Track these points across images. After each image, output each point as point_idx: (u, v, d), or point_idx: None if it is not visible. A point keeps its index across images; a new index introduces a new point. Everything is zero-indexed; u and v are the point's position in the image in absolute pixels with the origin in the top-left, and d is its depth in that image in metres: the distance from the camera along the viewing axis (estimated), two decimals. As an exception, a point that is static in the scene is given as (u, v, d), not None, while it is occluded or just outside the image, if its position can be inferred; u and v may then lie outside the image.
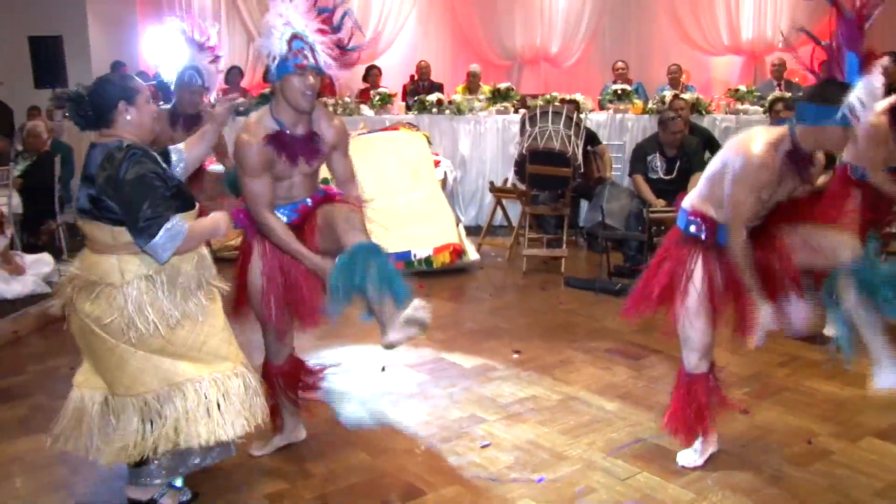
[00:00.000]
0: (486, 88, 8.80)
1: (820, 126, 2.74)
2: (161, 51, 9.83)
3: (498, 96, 8.45)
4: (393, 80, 9.64)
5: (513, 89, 8.60)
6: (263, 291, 2.98)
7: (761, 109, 8.04)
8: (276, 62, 2.79)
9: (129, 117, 2.57)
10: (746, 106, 8.23)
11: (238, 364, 2.70)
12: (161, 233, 2.46)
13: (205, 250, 2.73)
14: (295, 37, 2.76)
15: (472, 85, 9.24)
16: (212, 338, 2.66)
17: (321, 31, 2.78)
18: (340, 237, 2.75)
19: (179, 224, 2.50)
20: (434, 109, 8.33)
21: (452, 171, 7.91)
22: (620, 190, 6.62)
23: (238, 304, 3.07)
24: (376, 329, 2.81)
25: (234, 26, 10.73)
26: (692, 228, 2.97)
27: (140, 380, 2.58)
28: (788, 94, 7.93)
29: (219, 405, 2.59)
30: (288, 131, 2.88)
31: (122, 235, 2.53)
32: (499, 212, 7.33)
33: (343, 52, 2.86)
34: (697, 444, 3.13)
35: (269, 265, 2.97)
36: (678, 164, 6.31)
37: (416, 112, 8.36)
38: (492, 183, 7.41)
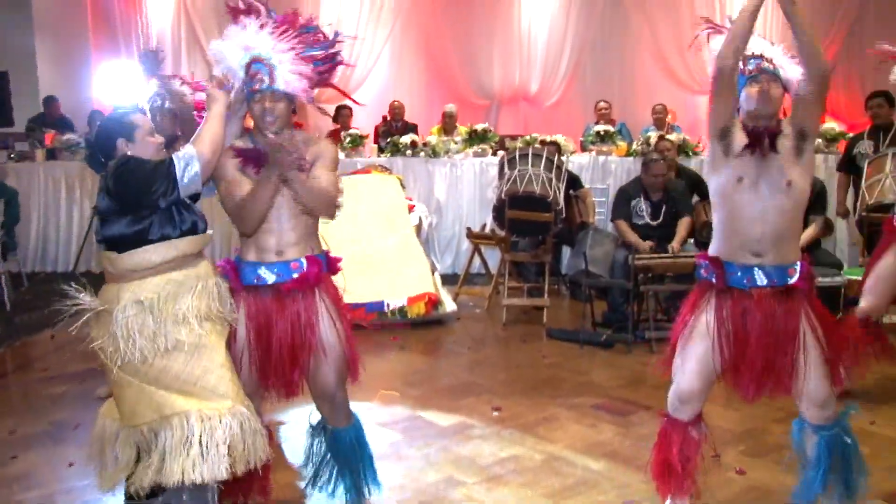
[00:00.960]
0: (462, 129, 8.90)
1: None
2: (117, 86, 9.93)
3: (475, 138, 8.56)
4: (364, 121, 9.74)
5: (491, 130, 8.71)
6: (241, 348, 2.93)
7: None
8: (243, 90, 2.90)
9: (129, 153, 2.74)
10: (735, 147, 8.39)
11: (238, 404, 2.66)
12: (178, 170, 2.65)
13: (214, 280, 2.77)
14: (254, 60, 2.85)
15: (447, 126, 9.34)
16: (209, 373, 2.66)
17: (293, 50, 2.86)
18: (320, 406, 3.04)
19: (183, 154, 2.67)
20: (408, 152, 8.41)
21: (427, 216, 7.96)
22: (604, 235, 6.69)
23: None
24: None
25: (195, 59, 10.83)
26: (702, 272, 3.01)
27: (137, 410, 2.65)
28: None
29: (201, 443, 2.55)
30: (258, 143, 2.93)
31: (119, 262, 2.66)
32: (477, 259, 7.36)
33: (324, 67, 2.95)
34: (668, 501, 3.09)
35: (255, 322, 2.93)
36: (664, 207, 6.39)
37: (388, 154, 8.43)
38: (469, 229, 7.47)
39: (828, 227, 6.19)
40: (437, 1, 11.09)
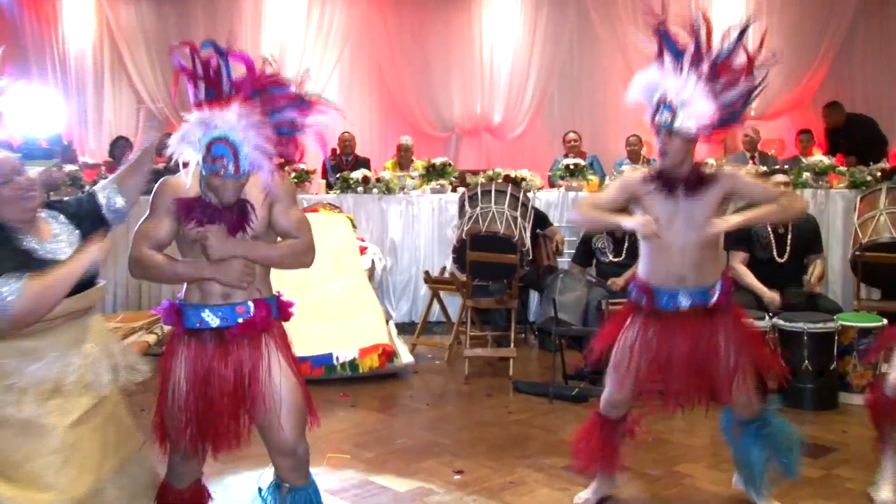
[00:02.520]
0: (419, 164, 8.96)
1: None
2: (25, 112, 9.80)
3: (433, 173, 8.62)
4: (311, 155, 9.73)
5: (450, 165, 8.77)
6: (179, 402, 2.93)
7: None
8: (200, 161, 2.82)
9: None
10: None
11: (64, 498, 2.58)
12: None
13: (83, 353, 2.69)
14: (217, 141, 2.75)
15: (403, 160, 9.40)
16: (35, 459, 2.57)
17: (259, 123, 2.77)
18: (278, 462, 2.99)
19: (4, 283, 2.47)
20: (359, 188, 8.43)
21: (381, 258, 7.95)
22: (575, 279, 6.75)
23: (157, 414, 3.04)
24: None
25: (120, 89, 10.73)
26: (633, 293, 3.66)
27: None
28: (763, 168, 8.26)
29: None
30: (207, 197, 2.90)
31: None
32: (436, 306, 7.36)
33: (289, 135, 2.90)
34: (593, 484, 3.92)
35: (194, 370, 2.92)
36: (626, 244, 6.50)
37: (338, 191, 8.45)
38: (427, 273, 7.48)
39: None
40: (389, 23, 11.21)
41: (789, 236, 6.06)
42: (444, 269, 7.72)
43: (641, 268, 3.66)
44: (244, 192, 2.89)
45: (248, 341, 2.93)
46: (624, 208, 3.64)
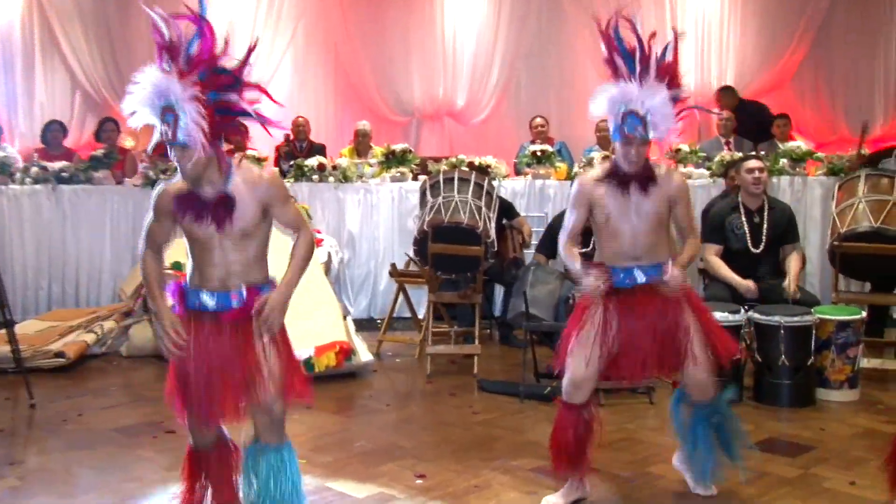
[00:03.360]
0: (377, 150, 8.93)
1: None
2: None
3: (392, 160, 8.61)
4: (263, 141, 9.68)
5: (411, 151, 8.77)
6: (183, 373, 3.44)
7: (707, 173, 8.41)
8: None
9: None
10: (690, 169, 8.56)
11: None
12: None
13: None
14: (165, 109, 3.19)
15: (360, 146, 9.38)
16: None
17: (198, 99, 3.18)
18: (257, 419, 3.45)
19: None
20: (315, 176, 8.41)
21: (338, 251, 7.94)
22: (547, 272, 6.76)
23: (169, 384, 3.53)
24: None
25: (52, 68, 10.48)
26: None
27: None
28: (739, 155, 8.33)
29: None
30: (198, 192, 3.37)
31: None
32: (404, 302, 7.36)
33: (227, 115, 3.33)
34: (563, 488, 4.04)
35: (195, 348, 3.42)
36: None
37: (292, 180, 8.41)
38: (393, 265, 7.44)
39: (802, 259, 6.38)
40: (345, 1, 11.13)
41: (765, 226, 6.14)
42: (409, 261, 7.70)
43: (597, 254, 4.09)
44: (232, 188, 3.36)
45: (241, 323, 3.42)
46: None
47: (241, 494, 3.60)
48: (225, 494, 3.68)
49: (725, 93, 10.11)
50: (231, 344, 3.42)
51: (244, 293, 3.43)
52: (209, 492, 3.69)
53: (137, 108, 3.24)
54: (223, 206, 3.35)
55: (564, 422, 4.00)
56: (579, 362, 3.91)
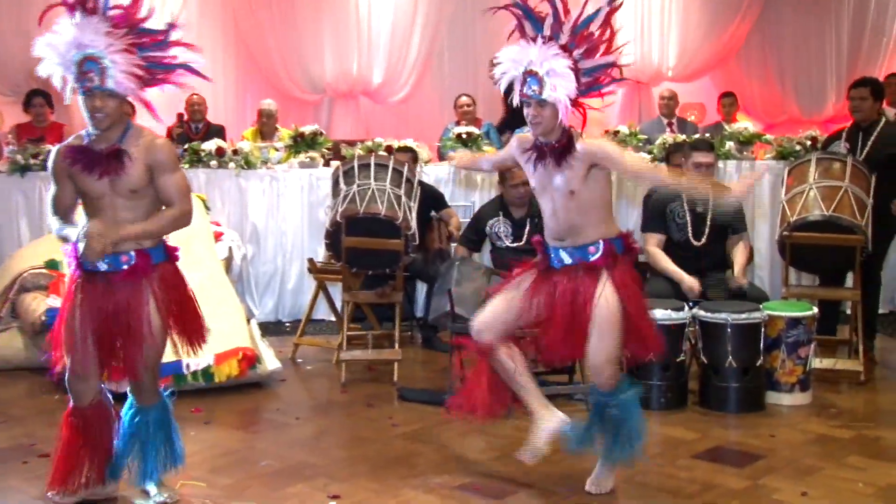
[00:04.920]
0: (284, 133, 8.89)
1: None
2: None
3: (301, 143, 8.58)
4: (153, 121, 9.54)
5: (322, 134, 8.75)
6: (72, 327, 4.03)
7: (648, 157, 8.52)
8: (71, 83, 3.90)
9: None
10: (629, 153, 8.70)
11: None
12: None
13: None
14: (87, 59, 3.82)
15: (265, 128, 9.32)
16: None
17: (127, 51, 3.88)
18: (131, 385, 4.23)
19: None
20: (213, 162, 8.32)
21: (240, 246, 7.87)
22: (474, 267, 6.77)
23: (56, 334, 4.15)
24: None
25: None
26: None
27: None
28: (682, 137, 8.48)
29: None
30: (91, 145, 3.99)
31: None
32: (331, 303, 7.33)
33: (157, 70, 4.06)
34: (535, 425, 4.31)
35: (86, 306, 4.02)
36: (527, 227, 6.61)
37: (186, 165, 8.30)
38: (311, 260, 7.37)
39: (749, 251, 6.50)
40: (246, -36, 11.04)
41: (709, 216, 6.24)
42: (331, 255, 7.63)
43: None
44: (125, 145, 3.97)
45: (130, 285, 4.03)
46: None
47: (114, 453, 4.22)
48: (100, 453, 4.20)
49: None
50: (118, 305, 4.01)
51: (134, 256, 4.02)
52: (86, 451, 4.16)
53: (53, 55, 3.87)
54: (114, 158, 3.92)
55: (480, 366, 4.43)
56: (491, 310, 4.36)
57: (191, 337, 4.30)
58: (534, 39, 4.11)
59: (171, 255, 4.24)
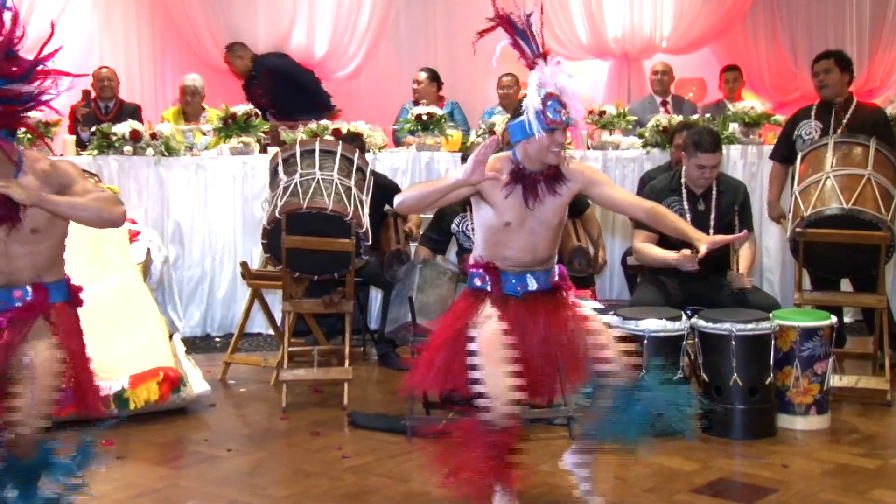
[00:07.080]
0: (213, 113, 8.86)
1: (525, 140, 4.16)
2: None
3: (233, 126, 8.54)
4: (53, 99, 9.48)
5: (257, 115, 8.71)
6: None
7: (639, 141, 8.54)
8: None
9: None
10: (617, 137, 8.70)
11: None
12: None
13: None
14: None
15: (189, 107, 9.28)
16: None
17: None
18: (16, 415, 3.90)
19: None
20: (126, 147, 8.28)
21: (160, 248, 7.84)
22: (438, 271, 6.77)
23: None
24: None
25: None
26: (476, 282, 4.32)
27: None
28: (679, 118, 8.49)
29: None
30: None
31: None
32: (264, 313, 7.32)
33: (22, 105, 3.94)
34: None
35: None
36: None
37: (94, 152, 8.26)
38: (244, 264, 7.37)
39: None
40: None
41: (712, 215, 6.26)
42: (269, 259, 7.60)
43: (481, 250, 4.35)
44: (20, 180, 3.86)
45: (22, 323, 3.95)
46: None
47: None
48: None
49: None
50: (9, 343, 3.94)
51: (30, 290, 4.01)
52: None
53: None
54: (6, 207, 3.85)
55: (487, 448, 4.08)
56: (503, 378, 4.05)
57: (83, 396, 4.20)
58: (533, 58, 4.20)
59: (73, 296, 4.22)
